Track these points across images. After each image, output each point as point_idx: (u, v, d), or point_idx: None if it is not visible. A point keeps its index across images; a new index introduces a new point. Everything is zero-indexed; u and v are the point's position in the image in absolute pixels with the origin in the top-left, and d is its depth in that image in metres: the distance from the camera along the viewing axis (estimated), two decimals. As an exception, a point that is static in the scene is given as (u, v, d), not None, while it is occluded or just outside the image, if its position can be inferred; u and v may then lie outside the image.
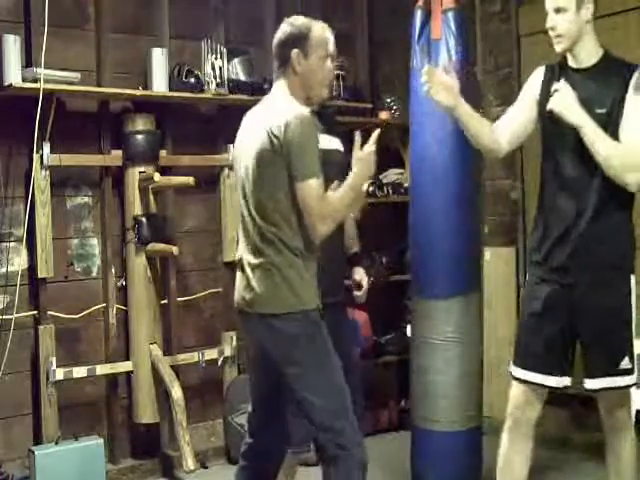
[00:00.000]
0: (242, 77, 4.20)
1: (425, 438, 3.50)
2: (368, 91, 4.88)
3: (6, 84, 3.58)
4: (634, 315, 2.75)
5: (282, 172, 2.49)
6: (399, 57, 4.48)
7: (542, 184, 2.86)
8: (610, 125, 2.66)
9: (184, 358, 4.14)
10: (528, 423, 2.86)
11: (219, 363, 4.25)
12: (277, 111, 2.54)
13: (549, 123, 2.78)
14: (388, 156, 4.47)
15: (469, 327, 3.47)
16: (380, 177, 4.58)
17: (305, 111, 2.54)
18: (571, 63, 2.79)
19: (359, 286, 3.31)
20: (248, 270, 2.57)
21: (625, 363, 2.71)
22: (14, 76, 3.57)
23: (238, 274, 2.66)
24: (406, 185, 4.49)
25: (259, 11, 4.48)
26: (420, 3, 3.52)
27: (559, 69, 2.82)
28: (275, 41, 2.65)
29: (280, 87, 2.65)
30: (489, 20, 4.56)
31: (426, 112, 3.42)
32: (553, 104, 2.70)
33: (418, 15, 3.52)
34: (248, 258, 2.59)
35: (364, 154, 2.56)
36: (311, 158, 2.48)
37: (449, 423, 3.42)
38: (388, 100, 4.78)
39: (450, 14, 3.43)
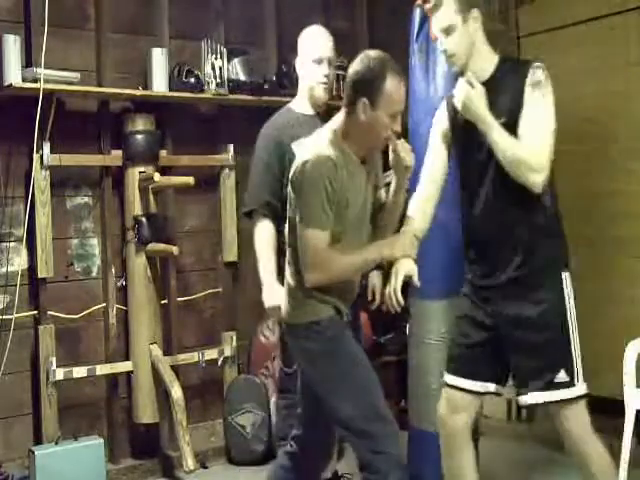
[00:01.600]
0: (242, 77, 4.20)
1: (422, 438, 3.49)
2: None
3: (6, 84, 3.58)
4: (572, 322, 2.63)
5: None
6: (399, 57, 4.44)
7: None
8: (511, 131, 2.57)
9: (184, 358, 4.14)
10: (461, 431, 2.78)
11: (219, 363, 4.25)
12: (310, 146, 2.52)
13: (462, 141, 2.74)
14: (388, 156, 4.46)
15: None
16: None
17: (331, 153, 2.45)
18: None
19: (373, 292, 3.38)
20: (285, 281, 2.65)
21: (561, 377, 2.59)
22: (14, 76, 3.57)
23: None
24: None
25: (259, 11, 4.49)
26: (419, 2, 3.51)
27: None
28: (349, 72, 2.53)
29: (337, 120, 2.57)
30: (488, 20, 4.55)
31: (424, 111, 3.42)
32: (458, 97, 2.63)
33: (417, 14, 3.52)
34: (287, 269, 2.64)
35: (410, 238, 2.60)
36: (317, 207, 2.42)
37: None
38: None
39: (449, 14, 3.42)
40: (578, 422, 2.63)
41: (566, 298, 2.64)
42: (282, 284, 2.73)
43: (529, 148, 2.54)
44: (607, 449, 2.67)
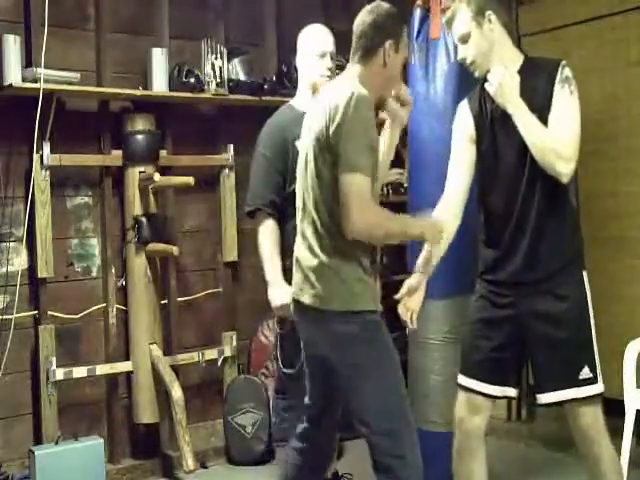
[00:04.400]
0: (242, 77, 4.20)
1: (423, 438, 3.48)
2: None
3: (6, 84, 3.58)
4: (592, 320, 2.63)
5: (334, 157, 2.34)
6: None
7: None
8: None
9: (184, 358, 4.14)
10: (475, 435, 2.78)
11: (219, 363, 4.25)
12: (339, 90, 2.39)
13: (486, 144, 2.73)
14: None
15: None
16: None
17: (365, 91, 2.37)
18: None
19: None
20: (305, 267, 2.46)
21: (585, 373, 2.59)
22: (14, 76, 3.57)
23: (294, 266, 2.55)
24: (406, 185, 4.49)
25: (259, 11, 4.49)
26: (419, 2, 3.52)
27: (483, 91, 2.72)
28: (367, 21, 2.47)
29: (352, 71, 2.49)
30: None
31: (425, 112, 3.43)
32: (492, 86, 2.61)
33: (417, 14, 3.52)
34: (304, 254, 2.47)
35: (438, 229, 2.56)
36: (364, 147, 2.32)
37: (447, 423, 3.41)
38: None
39: (449, 14, 3.43)
40: (594, 421, 2.63)
41: (587, 295, 2.65)
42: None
43: (559, 137, 2.56)
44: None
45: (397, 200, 4.54)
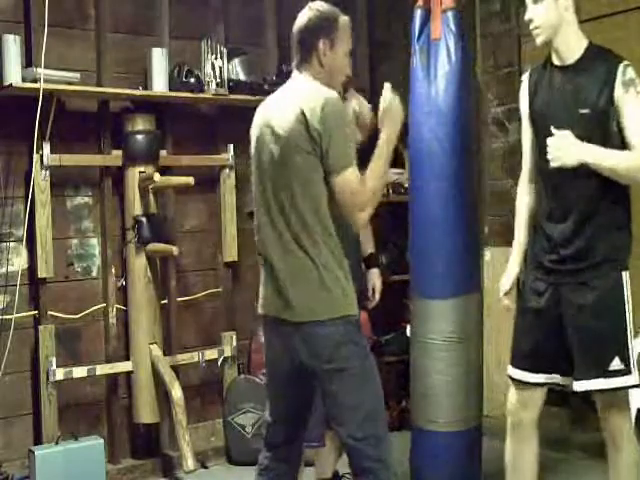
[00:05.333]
0: (242, 77, 4.20)
1: (425, 438, 3.49)
2: (368, 91, 4.87)
3: (6, 84, 3.58)
4: (628, 313, 2.67)
5: (315, 159, 2.36)
6: (399, 57, 4.48)
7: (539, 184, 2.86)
8: (594, 122, 2.61)
9: (184, 358, 4.14)
10: (527, 424, 2.84)
11: (219, 363, 4.25)
12: (308, 94, 2.42)
13: (539, 122, 2.75)
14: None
15: (469, 327, 3.46)
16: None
17: (335, 94, 2.42)
18: (555, 61, 2.71)
19: (373, 291, 3.39)
20: (280, 273, 2.42)
21: (616, 364, 2.62)
22: (14, 76, 3.57)
23: (264, 276, 2.51)
24: (406, 185, 4.49)
25: (259, 11, 4.48)
26: (420, 3, 3.52)
27: (543, 69, 2.77)
28: (299, 26, 2.51)
29: (303, 75, 2.51)
30: (489, 20, 4.56)
31: (426, 112, 3.42)
32: (553, 159, 2.62)
33: (418, 15, 3.51)
34: (278, 258, 2.43)
35: (388, 101, 2.50)
36: (347, 146, 2.37)
37: (449, 423, 3.41)
38: (388, 100, 4.78)
39: (450, 14, 3.43)
40: (623, 414, 2.68)
41: (625, 288, 2.67)
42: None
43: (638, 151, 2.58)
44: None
45: (397, 200, 4.54)
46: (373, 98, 4.80)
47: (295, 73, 2.54)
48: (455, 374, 3.42)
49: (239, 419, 4.14)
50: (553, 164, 2.63)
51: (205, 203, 4.34)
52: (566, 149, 2.59)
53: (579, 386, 2.70)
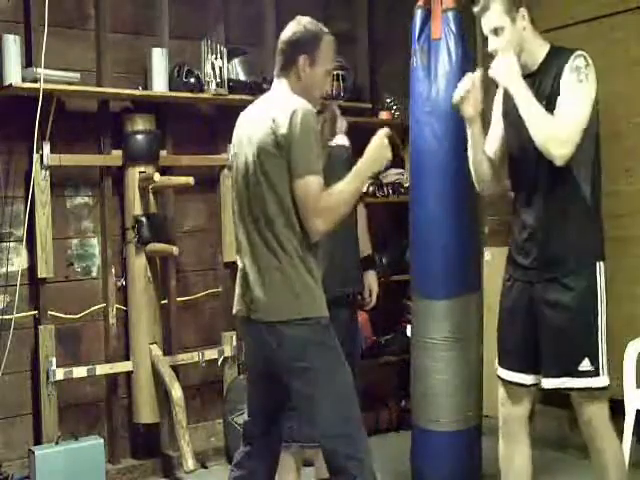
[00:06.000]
0: (242, 77, 4.20)
1: (425, 438, 3.50)
2: (368, 91, 4.88)
3: (6, 84, 3.58)
4: (601, 315, 2.65)
5: (283, 165, 2.42)
6: (399, 57, 4.48)
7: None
8: (551, 112, 2.64)
9: (184, 358, 4.14)
10: (518, 422, 2.84)
11: (219, 363, 4.25)
12: (281, 102, 2.49)
13: (508, 130, 2.81)
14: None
15: (469, 327, 3.47)
16: (380, 177, 4.57)
17: (309, 105, 2.48)
18: (522, 70, 2.73)
19: (369, 293, 3.39)
20: (250, 275, 2.50)
21: (585, 365, 2.62)
22: (14, 76, 3.57)
23: (238, 277, 2.59)
24: (406, 185, 4.49)
25: (259, 11, 4.48)
26: (420, 3, 3.52)
27: None
28: (283, 38, 2.58)
29: (282, 85, 2.59)
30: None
31: (426, 112, 3.43)
32: (492, 69, 2.69)
33: (418, 15, 3.52)
34: (249, 262, 2.51)
35: (379, 136, 2.52)
36: (313, 154, 2.42)
37: (449, 423, 3.42)
38: (388, 100, 4.78)
39: (450, 14, 3.44)
40: (597, 414, 2.66)
41: (598, 287, 2.66)
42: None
43: (557, 120, 2.59)
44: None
45: (397, 200, 4.54)
46: (373, 98, 4.85)
47: (275, 81, 2.62)
48: (455, 374, 3.42)
49: (239, 419, 4.13)
50: (489, 72, 2.70)
51: (205, 203, 4.34)
52: (505, 69, 2.65)
53: (547, 383, 2.71)
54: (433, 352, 3.43)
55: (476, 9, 2.76)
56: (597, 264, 2.68)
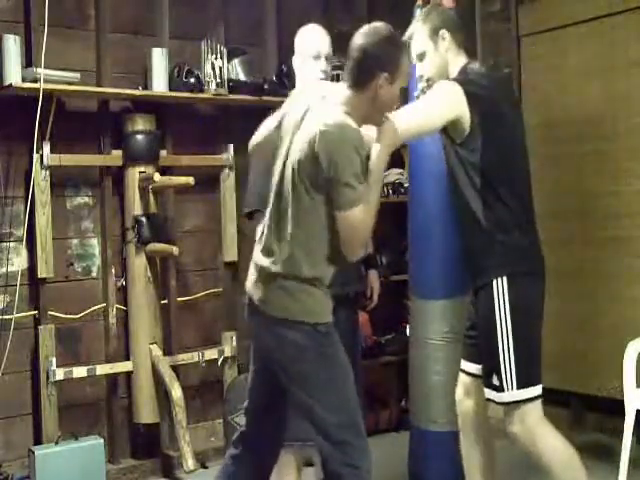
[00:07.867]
0: (242, 77, 4.20)
1: (424, 438, 3.50)
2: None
3: (6, 84, 3.58)
4: (502, 333, 2.64)
5: (320, 183, 2.32)
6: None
7: None
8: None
9: (184, 358, 4.14)
10: (471, 414, 2.89)
11: (219, 363, 4.25)
12: (327, 116, 2.33)
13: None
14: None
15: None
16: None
17: (352, 123, 2.32)
18: None
19: (371, 292, 3.39)
20: (260, 269, 2.46)
21: (495, 379, 2.66)
22: (14, 76, 3.57)
23: (252, 267, 2.53)
24: (406, 185, 4.49)
25: (259, 11, 4.48)
26: (420, 3, 3.52)
27: None
28: (364, 45, 2.37)
29: (342, 96, 2.40)
30: (489, 20, 4.57)
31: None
32: (386, 123, 2.53)
33: (418, 14, 3.51)
34: (259, 255, 2.48)
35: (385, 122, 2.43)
36: (357, 182, 2.29)
37: (448, 423, 3.41)
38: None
39: (450, 14, 3.43)
40: (519, 424, 2.67)
41: (496, 305, 2.65)
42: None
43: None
44: (565, 441, 2.69)
45: (397, 200, 4.54)
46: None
47: (342, 85, 2.45)
48: (453, 374, 3.41)
49: (239, 419, 4.13)
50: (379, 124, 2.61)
51: (205, 203, 4.34)
52: (393, 134, 2.49)
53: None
54: (432, 352, 3.43)
55: (405, 36, 2.75)
56: (496, 280, 2.64)
